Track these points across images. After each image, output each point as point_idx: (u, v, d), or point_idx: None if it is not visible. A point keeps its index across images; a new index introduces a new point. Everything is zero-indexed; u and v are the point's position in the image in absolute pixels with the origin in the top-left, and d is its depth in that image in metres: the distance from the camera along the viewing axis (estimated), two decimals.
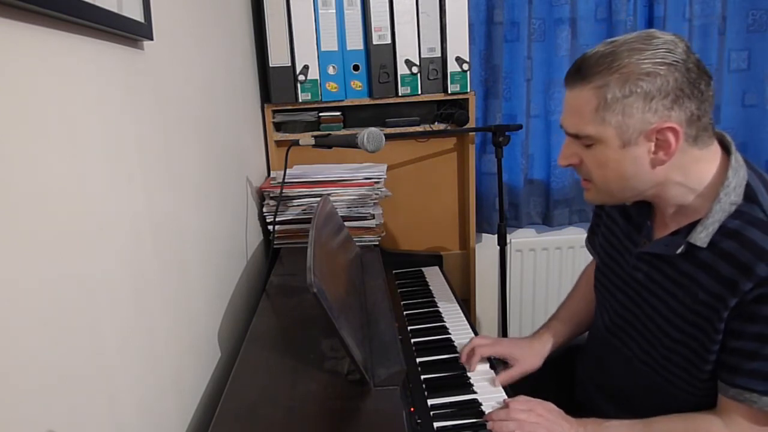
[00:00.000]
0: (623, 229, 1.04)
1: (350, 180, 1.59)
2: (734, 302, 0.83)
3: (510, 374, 1.11)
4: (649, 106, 0.82)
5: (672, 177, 0.88)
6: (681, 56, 0.82)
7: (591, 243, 1.21)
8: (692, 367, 0.93)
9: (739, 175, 0.86)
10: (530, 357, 1.14)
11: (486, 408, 1.03)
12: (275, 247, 1.54)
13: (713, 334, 0.87)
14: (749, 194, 0.85)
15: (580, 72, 0.86)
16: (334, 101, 1.77)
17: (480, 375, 1.13)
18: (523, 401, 0.99)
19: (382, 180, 1.61)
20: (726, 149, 0.90)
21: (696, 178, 0.88)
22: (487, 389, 1.09)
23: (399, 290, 1.56)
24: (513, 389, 1.09)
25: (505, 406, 1.00)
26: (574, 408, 1.03)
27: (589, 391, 1.17)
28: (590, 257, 1.25)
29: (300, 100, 1.74)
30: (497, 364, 1.16)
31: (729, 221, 0.85)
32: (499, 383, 1.08)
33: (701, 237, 0.86)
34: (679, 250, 0.89)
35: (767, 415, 0.86)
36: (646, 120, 0.82)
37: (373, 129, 1.42)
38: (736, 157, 0.88)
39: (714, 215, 0.85)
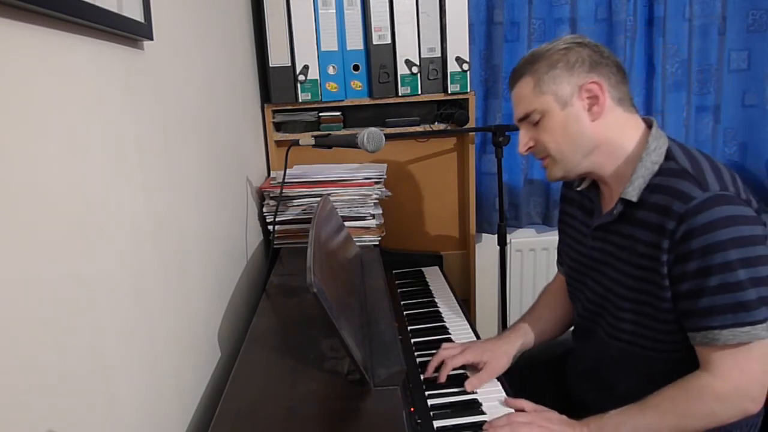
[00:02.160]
0: (582, 221, 1.15)
1: (350, 180, 1.59)
2: (667, 244, 0.92)
3: (480, 378, 1.11)
4: (572, 72, 1.01)
5: (610, 136, 1.02)
6: (587, 41, 1.03)
7: (560, 262, 1.31)
8: (651, 321, 0.98)
9: (658, 141, 1.00)
10: (499, 359, 1.15)
11: (486, 408, 1.03)
12: (275, 247, 1.54)
13: (660, 280, 0.94)
14: (668, 154, 0.99)
15: (515, 73, 1.08)
16: (334, 101, 1.77)
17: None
18: (523, 414, 1.00)
19: (382, 180, 1.61)
20: (650, 127, 1.03)
21: (626, 141, 1.02)
22: (486, 389, 1.09)
23: (399, 290, 1.56)
24: (512, 391, 1.09)
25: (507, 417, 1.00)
26: (570, 403, 1.04)
27: (577, 384, 1.19)
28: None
29: (300, 100, 1.74)
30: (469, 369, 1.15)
31: (653, 178, 0.97)
32: (471, 389, 1.08)
33: (629, 191, 0.99)
34: (616, 211, 1.01)
35: (736, 348, 0.89)
36: (573, 83, 1.01)
37: (373, 129, 1.42)
38: (657, 129, 1.02)
39: (638, 171, 0.98)
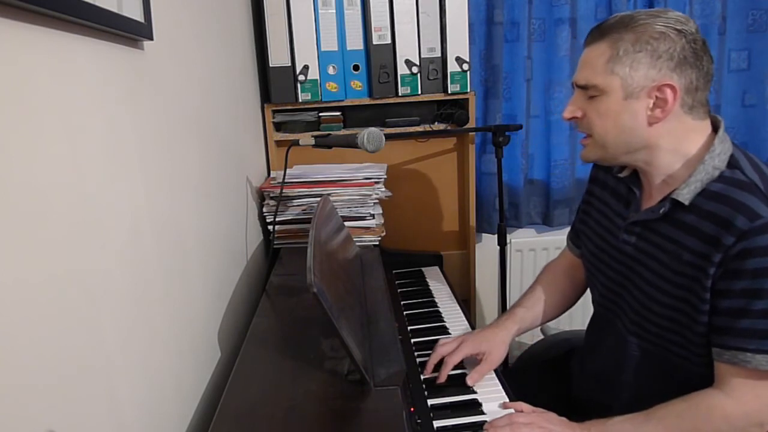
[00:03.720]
0: (614, 209, 1.09)
1: (350, 180, 1.59)
2: (719, 258, 0.87)
3: (480, 371, 1.10)
4: (654, 64, 0.90)
5: (663, 143, 0.94)
6: (690, 29, 0.91)
7: (573, 240, 1.26)
8: (685, 330, 0.95)
9: (724, 145, 0.93)
10: (497, 348, 1.14)
11: (486, 408, 1.03)
12: (275, 247, 1.54)
13: (702, 293, 0.90)
14: (732, 162, 0.92)
15: (600, 29, 0.95)
16: (334, 101, 1.77)
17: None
18: (524, 414, 0.99)
19: (382, 180, 1.61)
20: (715, 129, 0.96)
21: (686, 147, 0.94)
22: (486, 389, 1.09)
23: (399, 290, 1.56)
24: (513, 390, 1.09)
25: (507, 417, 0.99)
26: (572, 404, 1.03)
27: (584, 384, 1.18)
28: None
29: (300, 100, 1.74)
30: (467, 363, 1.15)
31: (712, 185, 0.91)
32: (471, 383, 1.08)
33: (683, 193, 0.92)
34: (663, 210, 0.95)
35: (761, 374, 0.87)
36: (649, 76, 0.90)
37: (373, 129, 1.42)
38: (723, 132, 0.95)
39: (697, 175, 0.92)
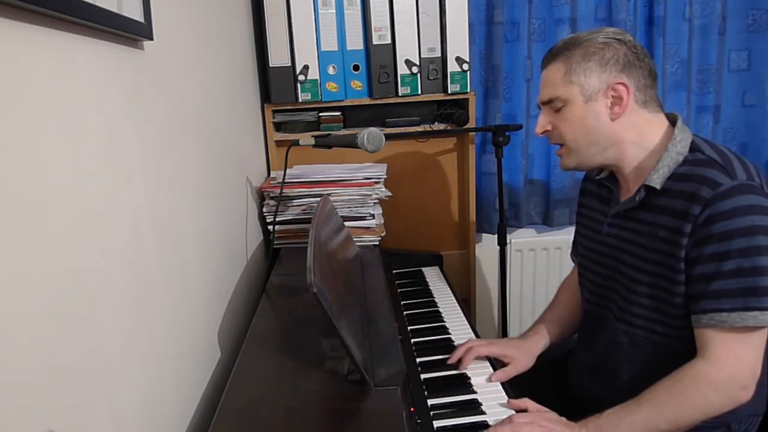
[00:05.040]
0: (599, 209, 1.17)
1: (350, 180, 1.59)
2: (689, 228, 0.94)
3: (506, 372, 1.15)
4: (604, 69, 1.02)
5: (627, 137, 1.04)
6: (628, 38, 1.04)
7: (574, 253, 1.31)
8: (666, 306, 1.00)
9: (684, 134, 1.03)
10: (524, 356, 1.19)
11: (486, 408, 1.03)
12: (275, 247, 1.54)
13: (676, 264, 0.97)
14: (693, 147, 1.01)
15: (551, 52, 1.08)
16: (334, 101, 1.77)
17: (480, 375, 1.13)
18: (525, 414, 1.00)
19: (382, 180, 1.61)
20: (673, 123, 1.05)
21: (649, 138, 1.04)
22: (487, 389, 1.09)
23: (399, 290, 1.56)
24: (513, 389, 1.09)
25: (508, 419, 1.00)
26: (570, 400, 1.04)
27: (580, 378, 1.20)
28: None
29: (300, 100, 1.74)
30: (495, 364, 1.18)
31: (678, 168, 1.00)
32: (495, 380, 1.12)
33: (654, 179, 1.01)
34: (639, 197, 1.03)
35: (741, 332, 0.91)
36: (602, 79, 1.02)
37: (373, 129, 1.42)
38: (681, 124, 1.04)
39: (663, 161, 1.01)
